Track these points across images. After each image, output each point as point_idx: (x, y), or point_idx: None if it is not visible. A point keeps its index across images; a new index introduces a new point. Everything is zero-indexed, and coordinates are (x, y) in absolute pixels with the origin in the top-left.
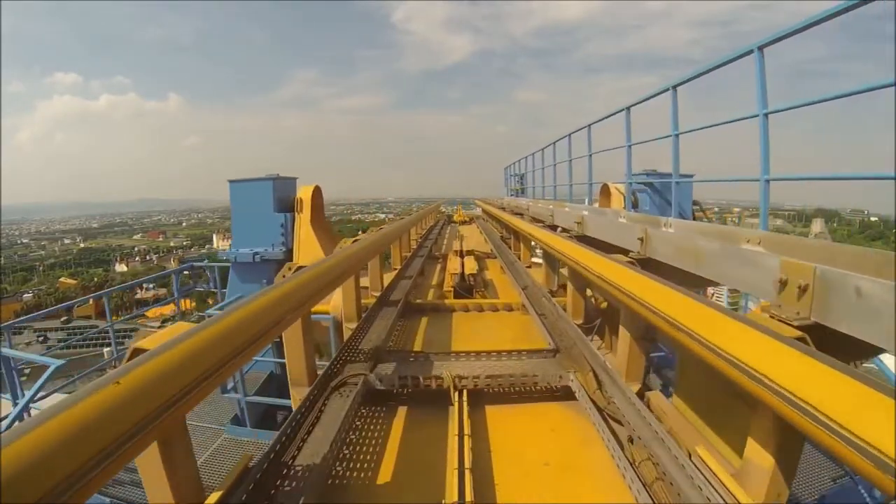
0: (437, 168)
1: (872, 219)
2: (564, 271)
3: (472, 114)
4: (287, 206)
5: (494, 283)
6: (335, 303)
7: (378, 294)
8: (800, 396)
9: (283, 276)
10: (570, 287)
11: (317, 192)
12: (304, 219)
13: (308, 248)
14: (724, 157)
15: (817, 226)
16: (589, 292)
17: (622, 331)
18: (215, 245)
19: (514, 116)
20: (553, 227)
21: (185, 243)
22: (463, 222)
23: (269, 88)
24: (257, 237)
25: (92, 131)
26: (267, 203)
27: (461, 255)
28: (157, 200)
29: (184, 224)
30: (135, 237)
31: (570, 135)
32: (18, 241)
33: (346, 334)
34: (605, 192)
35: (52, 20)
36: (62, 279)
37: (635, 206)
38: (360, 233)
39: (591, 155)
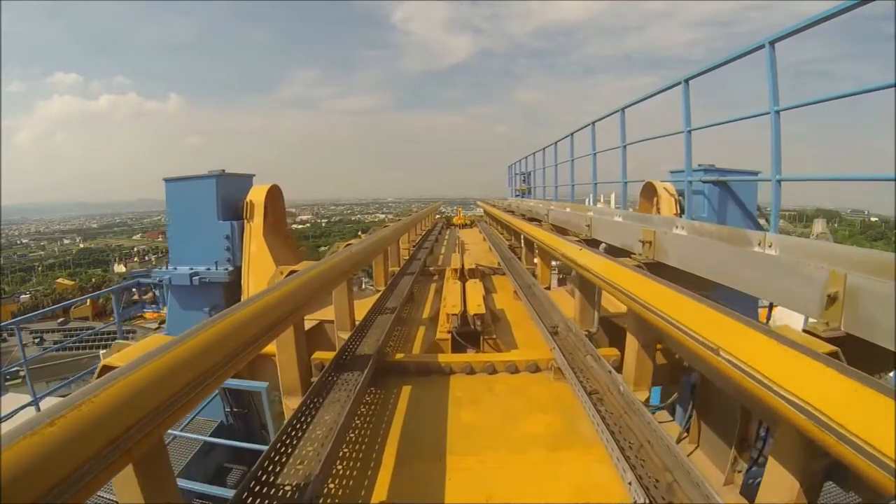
0: (437, 168)
1: (873, 219)
2: (609, 306)
3: (472, 114)
4: (237, 211)
5: (508, 318)
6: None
7: (346, 335)
8: (799, 397)
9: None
10: (632, 343)
11: (274, 194)
12: (254, 228)
13: (260, 269)
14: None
15: (819, 226)
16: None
17: (778, 470)
18: None
19: (513, 117)
20: (591, 243)
21: None
22: (463, 225)
23: (270, 88)
24: (198, 252)
25: (92, 131)
26: (209, 208)
27: (462, 275)
28: (156, 200)
29: None
30: (134, 237)
31: (593, 123)
32: (18, 242)
33: (288, 412)
34: (649, 192)
35: (53, 20)
36: (59, 280)
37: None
38: (359, 233)
39: (625, 146)
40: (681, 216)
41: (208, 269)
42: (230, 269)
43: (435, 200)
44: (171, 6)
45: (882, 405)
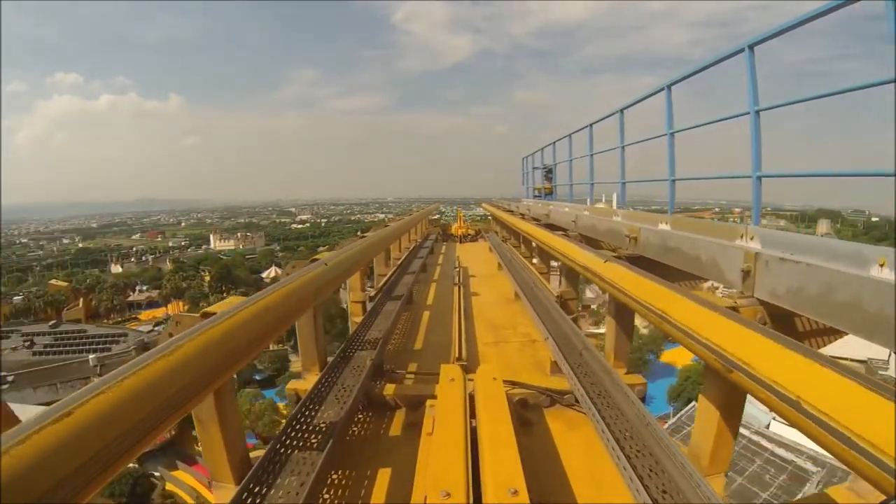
0: (437, 168)
1: (874, 219)
2: None
3: (472, 114)
4: None
5: None
6: None
7: None
8: (799, 396)
9: None
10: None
11: None
12: None
13: None
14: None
15: (823, 226)
16: None
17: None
18: (213, 245)
19: (514, 117)
20: None
21: (183, 243)
22: (465, 237)
23: (270, 88)
24: None
25: (92, 131)
26: None
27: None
28: (156, 200)
29: (182, 224)
30: (133, 237)
31: (716, 61)
32: (17, 241)
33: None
34: None
35: (53, 20)
36: (52, 281)
37: None
38: (358, 233)
39: (623, 146)
40: None
41: None
42: None
43: (435, 200)
44: (171, 6)
45: (882, 406)
